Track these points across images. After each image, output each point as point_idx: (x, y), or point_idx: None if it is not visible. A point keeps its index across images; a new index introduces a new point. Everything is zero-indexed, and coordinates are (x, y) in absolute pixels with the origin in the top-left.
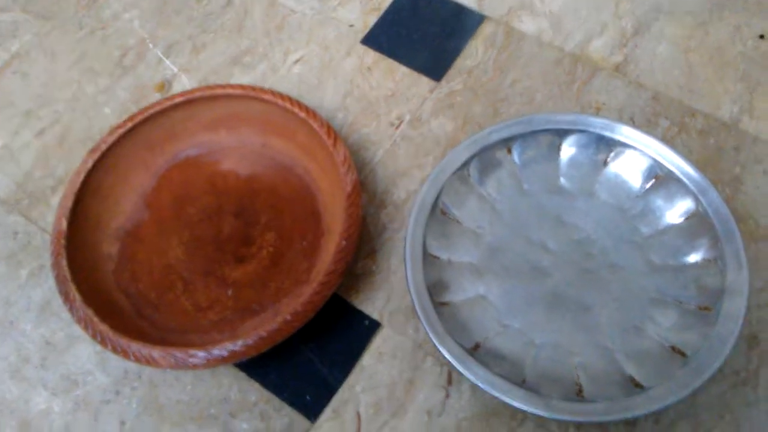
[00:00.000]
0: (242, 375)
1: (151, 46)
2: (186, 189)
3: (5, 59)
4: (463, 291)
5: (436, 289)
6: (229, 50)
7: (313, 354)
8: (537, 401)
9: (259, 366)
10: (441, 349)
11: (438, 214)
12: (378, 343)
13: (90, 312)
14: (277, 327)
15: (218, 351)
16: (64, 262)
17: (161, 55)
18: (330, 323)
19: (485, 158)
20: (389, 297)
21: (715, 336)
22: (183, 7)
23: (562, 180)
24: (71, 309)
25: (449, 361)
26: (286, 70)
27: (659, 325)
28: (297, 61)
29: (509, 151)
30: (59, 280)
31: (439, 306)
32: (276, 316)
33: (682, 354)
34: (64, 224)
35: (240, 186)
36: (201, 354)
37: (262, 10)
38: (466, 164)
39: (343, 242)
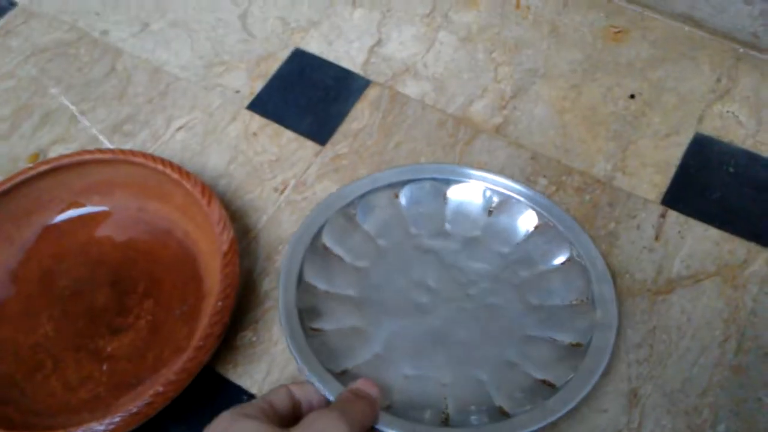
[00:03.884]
0: None
1: (26, 116)
2: (57, 261)
3: None
4: (337, 320)
5: (308, 315)
6: (109, 118)
7: None
8: (402, 425)
9: None
10: (304, 367)
11: (319, 247)
12: None
13: None
14: (149, 401)
15: None
16: None
17: (34, 126)
18: (205, 401)
19: (372, 200)
20: (269, 370)
21: (583, 368)
22: (63, 76)
23: (447, 225)
24: None
25: (311, 381)
26: (169, 137)
27: (531, 361)
28: (180, 127)
29: (396, 195)
30: None
31: (310, 331)
32: (148, 389)
33: (552, 386)
34: None
35: (116, 254)
36: None
37: (146, 77)
38: (352, 203)
39: (219, 304)
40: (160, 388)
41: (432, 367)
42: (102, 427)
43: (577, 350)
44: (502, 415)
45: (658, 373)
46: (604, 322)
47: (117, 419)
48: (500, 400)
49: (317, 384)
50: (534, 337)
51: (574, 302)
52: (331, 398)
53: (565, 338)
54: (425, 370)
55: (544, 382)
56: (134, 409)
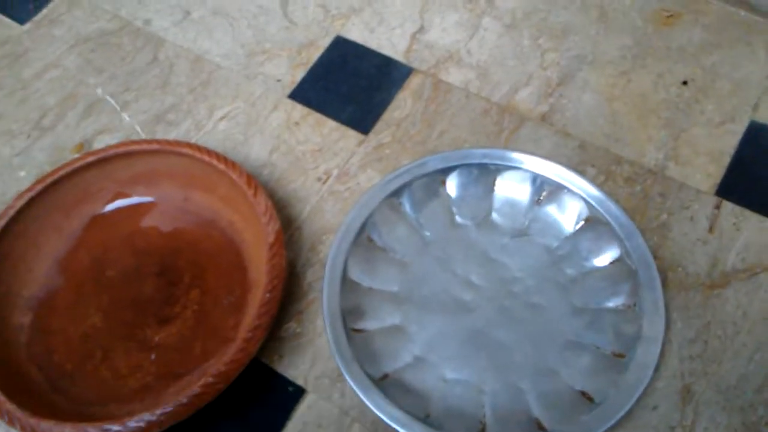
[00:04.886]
0: None
1: (70, 106)
2: (104, 251)
3: None
4: (379, 319)
5: (351, 315)
6: (153, 108)
7: (233, 427)
8: None
9: None
10: (346, 376)
11: (364, 240)
12: (302, 411)
13: None
14: (199, 391)
15: (135, 423)
16: None
17: (78, 116)
18: (252, 391)
19: (419, 188)
20: (314, 361)
21: (624, 384)
22: (106, 66)
23: (495, 216)
24: None
25: (353, 389)
26: (212, 127)
27: (572, 369)
28: (222, 117)
29: (444, 182)
30: None
31: (353, 332)
32: (198, 380)
33: (591, 400)
34: None
35: (161, 244)
36: (115, 428)
37: (188, 66)
38: (398, 191)
39: (267, 295)
40: (211, 379)
41: (472, 372)
42: (154, 418)
43: (619, 362)
44: (539, 429)
45: (712, 370)
46: (650, 335)
47: (169, 409)
48: (538, 412)
49: (359, 393)
50: (576, 343)
51: (620, 307)
52: (371, 406)
53: (608, 347)
54: (465, 374)
55: (583, 394)
56: (185, 400)
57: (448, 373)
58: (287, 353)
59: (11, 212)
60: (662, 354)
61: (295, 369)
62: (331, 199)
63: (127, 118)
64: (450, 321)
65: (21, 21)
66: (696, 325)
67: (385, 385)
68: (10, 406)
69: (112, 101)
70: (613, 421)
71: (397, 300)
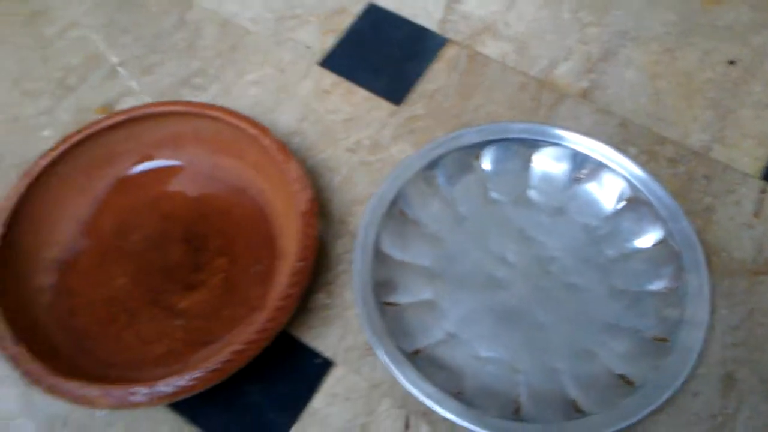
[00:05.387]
0: (181, 420)
1: (94, 66)
2: (129, 214)
3: None
4: (411, 294)
5: (383, 288)
6: (179, 71)
7: (259, 396)
8: (470, 415)
9: (200, 409)
10: (377, 349)
11: (396, 213)
12: (331, 383)
13: (21, 349)
14: (228, 358)
15: (163, 387)
16: None
17: (104, 76)
18: (279, 362)
19: (455, 161)
20: (344, 333)
21: (666, 368)
22: (131, 26)
23: (531, 192)
24: (0, 347)
25: (383, 363)
26: (239, 92)
27: (611, 352)
28: (251, 83)
29: (478, 157)
30: None
31: (384, 306)
32: (228, 346)
33: (630, 383)
34: None
35: (188, 209)
36: (144, 391)
37: (216, 30)
38: (433, 164)
39: (299, 264)
40: (241, 347)
41: (506, 350)
42: (183, 382)
43: (661, 346)
44: (575, 411)
45: (756, 358)
46: (694, 320)
47: (198, 374)
48: (575, 393)
49: (391, 367)
50: (616, 325)
51: (663, 290)
52: (403, 380)
53: (650, 331)
54: (499, 352)
55: (622, 377)
56: (214, 366)
57: (482, 351)
58: (315, 324)
59: (34, 172)
60: (705, 340)
61: (324, 341)
62: (362, 170)
63: (152, 81)
64: (484, 298)
65: None
66: (740, 311)
67: (417, 360)
68: (33, 366)
69: (137, 63)
70: (653, 406)
71: (430, 275)
